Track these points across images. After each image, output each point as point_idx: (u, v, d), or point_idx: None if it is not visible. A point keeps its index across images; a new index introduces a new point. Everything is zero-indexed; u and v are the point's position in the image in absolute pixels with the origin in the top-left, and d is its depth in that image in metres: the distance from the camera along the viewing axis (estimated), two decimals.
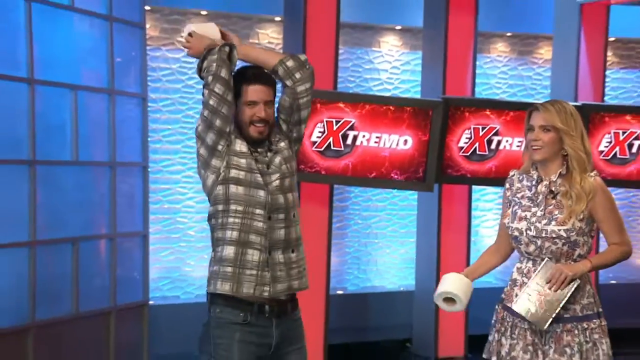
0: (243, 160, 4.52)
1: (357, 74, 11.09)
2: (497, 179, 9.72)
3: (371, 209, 11.28)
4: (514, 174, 5.11)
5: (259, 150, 4.61)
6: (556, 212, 4.82)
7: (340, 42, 9.68)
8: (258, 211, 4.51)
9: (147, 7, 9.42)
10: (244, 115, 4.54)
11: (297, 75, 4.69)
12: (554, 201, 4.85)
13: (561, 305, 4.72)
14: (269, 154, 4.62)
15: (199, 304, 9.88)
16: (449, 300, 5.02)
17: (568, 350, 4.77)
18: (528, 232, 4.86)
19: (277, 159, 4.64)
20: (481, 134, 9.52)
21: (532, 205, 4.90)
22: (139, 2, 8.99)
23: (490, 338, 5.08)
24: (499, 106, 9.75)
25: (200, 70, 4.52)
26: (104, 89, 8.65)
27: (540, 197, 4.89)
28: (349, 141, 9.01)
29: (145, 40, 9.13)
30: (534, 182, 4.95)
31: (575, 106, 9.77)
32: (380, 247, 11.34)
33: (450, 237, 10.07)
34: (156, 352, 9.48)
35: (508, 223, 4.96)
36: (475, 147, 9.53)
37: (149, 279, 9.28)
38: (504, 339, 4.98)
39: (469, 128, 9.48)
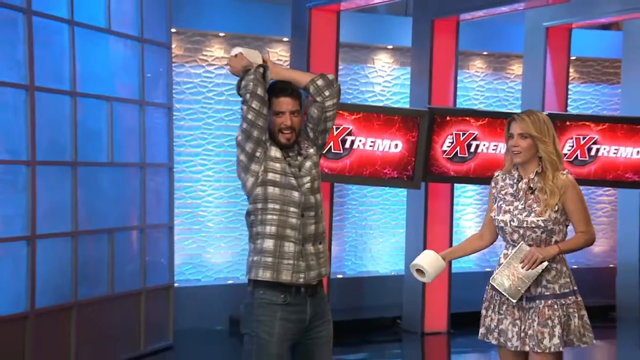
0: (278, 165, 4.51)
1: (355, 87, 11.08)
2: (475, 178, 9.77)
3: (366, 204, 11.26)
4: (498, 174, 5.14)
5: (290, 155, 4.60)
6: (535, 205, 4.88)
7: (340, 59, 9.72)
8: (292, 209, 4.51)
9: (173, 30, 9.43)
10: (273, 124, 4.53)
11: (327, 93, 4.72)
12: (532, 196, 4.91)
13: (531, 282, 4.80)
14: (299, 158, 4.61)
15: (217, 286, 10.03)
16: (420, 272, 5.16)
17: (549, 322, 4.82)
18: (512, 223, 4.92)
19: (308, 164, 4.64)
20: (462, 138, 9.49)
21: (514, 200, 4.96)
22: (165, 25, 9.01)
23: (482, 313, 5.13)
24: (477, 115, 9.74)
25: (238, 89, 4.50)
26: (135, 100, 8.67)
27: (521, 193, 4.94)
28: (347, 145, 8.99)
29: (171, 58, 9.16)
30: (515, 181, 5.00)
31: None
32: (374, 237, 11.32)
33: (435, 228, 10.05)
34: (180, 327, 9.47)
35: (494, 216, 5.02)
36: (457, 150, 9.50)
37: (174, 264, 9.29)
38: (493, 314, 5.02)
39: (451, 134, 9.46)
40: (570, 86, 11.20)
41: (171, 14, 9.07)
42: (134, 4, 8.61)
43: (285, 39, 10.34)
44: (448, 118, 9.47)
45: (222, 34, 10.19)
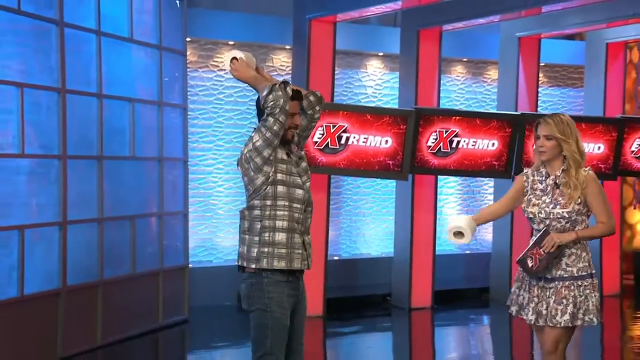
0: (284, 166, 4.54)
1: (349, 89, 11.08)
2: (457, 170, 9.83)
3: (360, 193, 11.27)
4: (527, 171, 5.16)
5: (291, 157, 4.64)
6: (560, 199, 4.92)
7: (336, 65, 9.70)
8: (297, 205, 4.56)
9: (188, 39, 9.43)
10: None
11: (317, 108, 4.80)
12: (558, 191, 4.94)
13: (549, 262, 4.87)
14: (293, 158, 4.64)
15: (227, 267, 10.00)
16: (458, 234, 5.09)
17: (564, 301, 4.87)
18: (539, 214, 4.96)
19: (304, 164, 4.70)
20: (444, 135, 9.53)
21: (542, 194, 5.00)
22: (181, 34, 9.03)
23: (512, 290, 5.16)
24: (458, 114, 9.78)
25: (264, 102, 4.43)
26: (154, 101, 8.68)
27: (549, 188, 4.98)
28: (342, 141, 9.01)
29: (186, 64, 9.17)
30: (543, 177, 5.04)
31: (516, 115, 9.94)
32: (366, 223, 11.33)
33: (420, 215, 10.08)
34: (194, 304, 9.49)
35: (524, 207, 5.07)
36: (440, 146, 9.54)
37: (188, 247, 9.31)
38: (519, 290, 5.08)
39: (435, 131, 9.50)
40: (540, 89, 11.23)
41: (186, 24, 9.08)
42: (154, 15, 8.63)
43: (288, 47, 10.33)
44: (432, 117, 9.51)
45: (231, 42, 10.18)
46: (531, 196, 5.05)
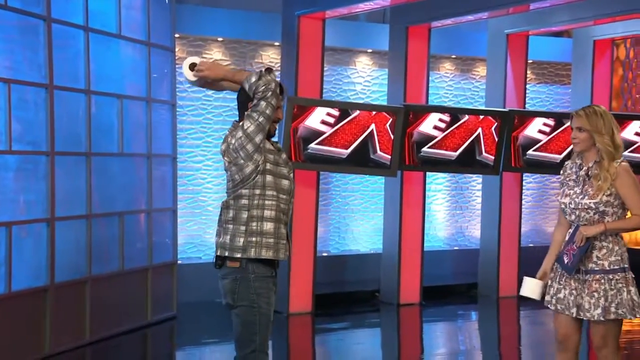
0: (271, 156, 4.54)
1: (338, 86, 11.06)
2: (445, 167, 9.87)
3: (349, 190, 11.26)
4: (567, 163, 5.18)
5: (275, 148, 4.63)
6: (589, 190, 4.92)
7: (325, 61, 9.72)
8: (283, 196, 4.56)
9: (177, 35, 9.40)
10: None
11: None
12: (589, 182, 4.95)
13: (581, 257, 4.87)
14: (276, 151, 4.63)
15: None
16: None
17: (595, 294, 4.86)
18: (570, 205, 4.97)
19: (284, 156, 4.68)
20: (432, 131, 9.54)
21: (574, 185, 5.00)
22: (170, 31, 8.99)
23: (548, 284, 5.14)
24: (446, 111, 9.78)
25: (255, 88, 4.43)
26: (142, 97, 8.66)
27: (581, 179, 4.98)
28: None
29: (175, 60, 9.13)
30: (577, 169, 5.05)
31: (503, 111, 9.95)
32: (355, 220, 11.32)
33: (409, 212, 10.06)
34: (183, 300, 9.49)
35: (558, 198, 5.09)
36: (429, 143, 9.56)
37: (177, 243, 9.29)
38: (555, 283, 5.06)
39: (423, 127, 9.50)
40: (527, 86, 11.25)
41: (175, 21, 9.05)
42: (142, 12, 8.60)
43: (277, 44, 10.31)
44: (421, 114, 9.51)
45: (220, 39, 10.17)
46: (565, 187, 5.08)
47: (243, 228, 4.50)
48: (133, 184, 8.62)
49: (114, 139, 8.28)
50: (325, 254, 10.91)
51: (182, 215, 9.77)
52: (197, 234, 10.24)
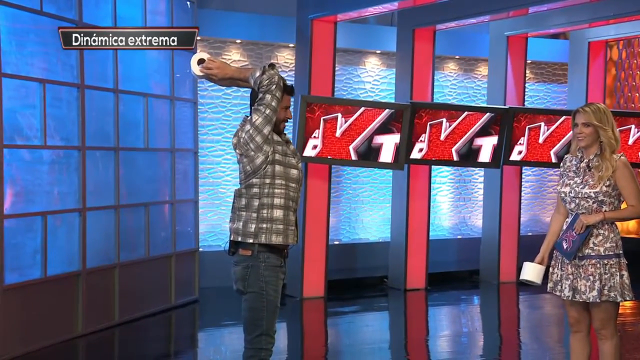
0: (279, 147, 4.53)
1: (349, 85, 11.05)
2: (448, 161, 9.87)
3: (359, 182, 11.25)
4: (567, 157, 5.18)
5: (283, 139, 4.63)
6: (590, 180, 4.95)
7: (337, 62, 9.75)
8: (292, 184, 4.56)
9: (198, 37, 9.37)
10: (279, 115, 4.53)
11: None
12: (589, 172, 4.97)
13: (580, 243, 4.90)
14: (284, 142, 4.63)
15: None
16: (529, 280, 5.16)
17: (591, 277, 4.89)
18: (570, 194, 4.99)
19: (292, 147, 4.68)
20: (439, 128, 9.58)
21: (575, 176, 5.02)
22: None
23: (550, 271, 5.17)
24: (451, 108, 9.82)
25: (260, 82, 4.41)
26: (166, 96, 8.72)
27: (581, 170, 5.00)
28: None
29: None
30: (578, 161, 5.06)
31: (504, 108, 9.97)
32: (365, 210, 11.30)
33: (415, 203, 10.12)
34: (204, 285, 9.55)
35: (558, 188, 5.10)
36: (434, 137, 9.60)
37: (199, 232, 9.34)
38: (556, 269, 5.09)
39: (430, 124, 9.53)
40: (526, 85, 11.25)
41: (197, 24, 9.05)
42: (166, 16, 8.64)
43: (291, 45, 10.34)
44: (427, 110, 9.54)
45: (238, 41, 10.20)
46: (565, 178, 5.09)
47: (255, 215, 4.50)
48: (158, 176, 8.66)
49: (140, 135, 8.33)
50: (336, 243, 10.91)
51: (203, 205, 9.79)
52: (217, 223, 10.27)
